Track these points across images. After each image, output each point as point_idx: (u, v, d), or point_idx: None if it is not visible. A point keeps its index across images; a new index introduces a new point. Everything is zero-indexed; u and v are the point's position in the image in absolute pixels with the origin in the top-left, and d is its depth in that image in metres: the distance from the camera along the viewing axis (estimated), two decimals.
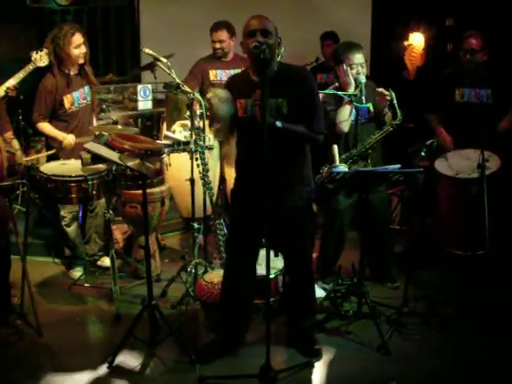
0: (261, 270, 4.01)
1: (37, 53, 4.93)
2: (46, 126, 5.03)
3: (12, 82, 4.89)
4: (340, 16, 7.40)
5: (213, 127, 3.95)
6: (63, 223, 5.05)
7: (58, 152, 5.03)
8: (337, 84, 4.72)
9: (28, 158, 5.39)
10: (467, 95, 5.39)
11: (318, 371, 3.89)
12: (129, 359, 3.97)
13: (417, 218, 5.07)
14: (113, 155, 3.76)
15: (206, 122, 4.62)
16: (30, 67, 4.93)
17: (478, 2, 6.87)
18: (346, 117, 4.50)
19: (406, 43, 7.29)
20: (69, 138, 4.96)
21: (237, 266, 4.00)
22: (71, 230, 5.08)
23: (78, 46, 4.97)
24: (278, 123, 3.54)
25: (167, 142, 4.60)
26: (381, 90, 4.57)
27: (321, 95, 4.56)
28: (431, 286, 4.90)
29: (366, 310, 4.37)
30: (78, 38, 4.97)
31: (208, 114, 3.88)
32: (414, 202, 5.21)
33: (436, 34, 7.29)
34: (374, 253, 4.92)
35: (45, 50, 4.94)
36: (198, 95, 4.47)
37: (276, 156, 3.47)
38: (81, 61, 5.04)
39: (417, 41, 7.31)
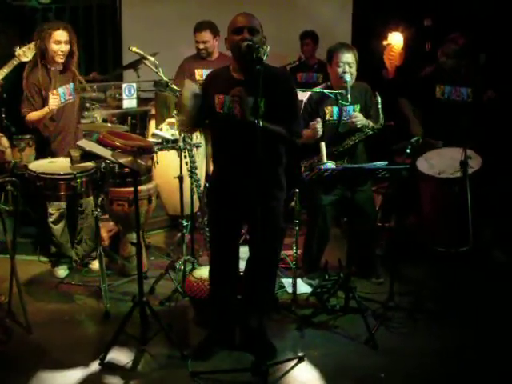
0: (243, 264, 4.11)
1: (20, 48, 4.93)
2: (32, 114, 4.98)
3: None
4: (321, 16, 7.47)
5: (178, 118, 3.94)
6: (50, 220, 5.03)
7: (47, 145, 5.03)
8: (328, 83, 4.81)
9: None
10: (448, 92, 5.49)
11: (308, 364, 3.94)
12: (120, 356, 3.98)
13: (398, 215, 5.16)
14: (106, 152, 3.79)
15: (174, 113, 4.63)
16: (14, 62, 4.92)
17: (455, 2, 6.99)
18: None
19: (385, 43, 7.36)
20: (50, 103, 4.88)
21: (221, 260, 4.05)
22: (58, 227, 5.06)
23: (57, 42, 4.95)
24: (260, 122, 3.50)
25: (155, 139, 4.63)
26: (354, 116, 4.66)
27: (308, 93, 4.67)
28: (415, 281, 5.02)
29: (352, 305, 4.44)
30: (59, 34, 4.95)
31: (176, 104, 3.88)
32: (395, 199, 5.30)
33: (414, 33, 7.39)
34: (359, 249, 5.00)
35: (28, 45, 4.94)
36: None
37: (252, 155, 3.42)
38: (58, 59, 5.00)
39: (396, 40, 7.38)
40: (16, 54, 4.91)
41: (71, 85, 5.14)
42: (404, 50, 7.42)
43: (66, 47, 5.01)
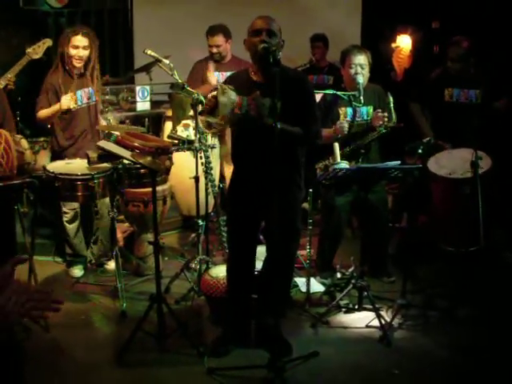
0: (259, 265, 4.18)
1: (30, 46, 5.03)
2: (43, 111, 5.04)
3: (9, 75, 5.03)
4: (331, 19, 7.54)
5: (208, 118, 3.96)
6: (64, 219, 5.11)
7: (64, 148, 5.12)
8: (342, 84, 4.88)
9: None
10: (456, 95, 5.55)
11: (323, 361, 3.99)
12: (138, 354, 4.02)
13: (410, 215, 5.22)
14: (125, 153, 3.85)
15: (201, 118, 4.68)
16: (25, 60, 5.05)
17: (463, 5, 7.05)
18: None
19: (393, 45, 7.44)
20: (63, 101, 4.95)
21: (238, 259, 4.11)
22: (72, 227, 5.14)
23: (75, 47, 5.02)
24: (278, 124, 3.55)
25: (171, 141, 4.70)
26: (380, 113, 4.72)
27: (321, 94, 4.73)
28: (427, 280, 5.05)
29: (366, 304, 4.51)
30: (77, 39, 5.02)
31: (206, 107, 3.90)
32: (407, 199, 5.36)
33: (422, 36, 7.46)
34: (371, 249, 5.07)
35: (38, 44, 5.04)
36: (201, 96, 4.56)
37: (270, 156, 3.49)
38: (76, 63, 5.07)
39: (404, 43, 7.47)
40: (27, 51, 5.01)
41: (90, 89, 5.21)
42: (412, 52, 7.50)
43: (83, 52, 5.07)
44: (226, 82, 3.99)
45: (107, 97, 6.21)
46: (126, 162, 4.34)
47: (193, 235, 5.53)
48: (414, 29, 7.46)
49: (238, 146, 3.98)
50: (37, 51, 5.11)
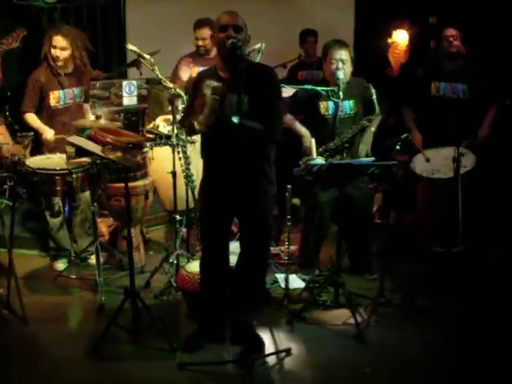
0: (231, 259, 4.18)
1: (4, 37, 5.09)
2: (31, 117, 5.14)
3: None
4: (323, 13, 7.51)
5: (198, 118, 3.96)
6: (48, 213, 5.14)
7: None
8: (325, 77, 4.87)
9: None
10: (443, 89, 5.49)
11: (296, 358, 3.99)
12: (111, 348, 4.06)
13: (393, 212, 5.19)
14: (95, 148, 3.87)
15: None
16: (1, 49, 5.06)
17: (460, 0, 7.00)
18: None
19: (389, 40, 7.38)
20: (47, 134, 5.05)
21: (211, 254, 4.11)
22: (55, 221, 5.16)
23: (53, 47, 5.09)
24: (235, 119, 3.58)
25: (150, 136, 4.71)
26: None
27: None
28: (408, 278, 5.02)
29: (342, 301, 4.50)
30: (57, 40, 5.09)
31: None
32: (390, 196, 5.33)
33: (419, 31, 7.40)
34: (353, 246, 5.06)
35: (13, 34, 5.08)
36: (179, 90, 4.57)
37: (236, 151, 3.56)
38: (58, 62, 5.12)
39: (400, 38, 7.39)
40: (2, 41, 5.08)
41: (75, 89, 5.27)
42: (409, 47, 7.43)
43: (62, 53, 5.12)
44: (196, 79, 4.00)
45: (96, 91, 6.23)
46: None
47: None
48: (410, 23, 7.39)
49: (206, 142, 3.98)
50: (11, 40, 5.13)
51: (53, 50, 5.07)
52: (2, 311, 4.45)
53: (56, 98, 5.11)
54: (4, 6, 6.87)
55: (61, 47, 5.07)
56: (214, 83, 3.68)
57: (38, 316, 4.48)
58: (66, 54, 5.11)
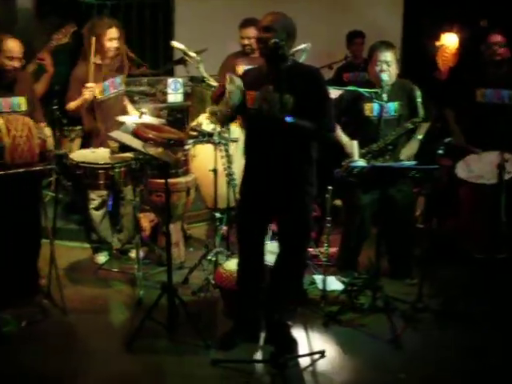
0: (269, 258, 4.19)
1: (55, 32, 5.28)
2: (71, 104, 5.15)
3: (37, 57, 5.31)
4: (371, 15, 7.46)
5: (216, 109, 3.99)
6: (91, 206, 5.21)
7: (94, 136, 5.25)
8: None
9: None
10: (488, 95, 5.42)
11: (329, 360, 3.97)
12: (146, 342, 4.10)
13: (436, 217, 5.12)
14: (137, 143, 3.91)
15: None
16: (51, 45, 5.33)
17: None
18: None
19: (437, 43, 7.29)
20: (85, 92, 5.03)
21: (248, 253, 4.12)
22: (98, 214, 5.23)
23: (111, 40, 5.12)
24: (288, 118, 3.59)
25: (193, 133, 4.74)
26: None
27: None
28: (448, 284, 4.96)
29: (380, 305, 4.45)
30: (112, 32, 5.12)
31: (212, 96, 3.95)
32: (433, 201, 5.27)
33: (469, 35, 7.29)
34: (394, 249, 5.01)
35: (62, 29, 5.17)
36: None
37: (280, 150, 3.56)
38: (111, 54, 5.18)
39: (449, 41, 7.30)
40: (53, 36, 5.30)
41: (116, 78, 5.30)
42: (458, 51, 7.33)
43: (117, 43, 5.18)
44: (241, 75, 4.02)
45: (143, 88, 6.30)
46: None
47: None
48: (460, 27, 7.28)
49: (250, 141, 4.01)
50: (61, 36, 5.29)
51: (109, 43, 5.11)
52: (43, 301, 4.56)
53: (100, 89, 5.16)
54: (55, 2, 6.99)
55: (117, 38, 5.13)
56: (236, 78, 3.77)
57: (77, 307, 4.57)
58: (120, 44, 5.19)
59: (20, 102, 4.70)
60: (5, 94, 4.64)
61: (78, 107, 5.12)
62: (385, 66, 4.67)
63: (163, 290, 4.17)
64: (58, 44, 5.26)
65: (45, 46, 5.38)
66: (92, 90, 4.99)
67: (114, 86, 5.29)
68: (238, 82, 3.77)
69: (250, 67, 4.41)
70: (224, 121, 4.31)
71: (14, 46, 4.57)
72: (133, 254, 5.29)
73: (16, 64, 4.61)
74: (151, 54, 7.63)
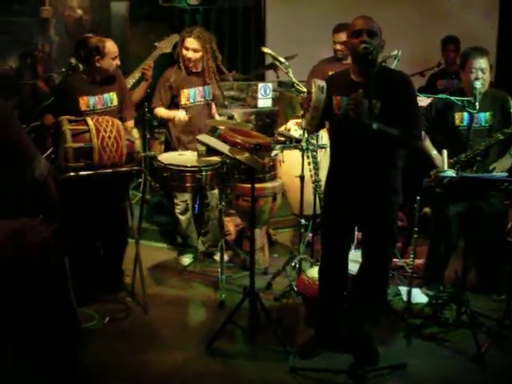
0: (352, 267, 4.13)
1: (160, 41, 5.37)
2: (161, 110, 5.31)
3: (141, 67, 5.44)
4: (465, 20, 7.28)
5: (306, 117, 3.96)
6: (177, 211, 5.32)
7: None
8: (461, 86, 4.72)
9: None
10: None
11: (410, 374, 3.88)
12: (226, 345, 4.13)
13: None
14: (223, 147, 3.94)
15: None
16: (156, 54, 5.42)
17: None
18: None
19: None
20: (180, 115, 5.18)
21: (331, 261, 4.07)
22: (184, 218, 5.33)
23: (186, 48, 5.23)
24: (375, 125, 3.52)
25: (281, 138, 4.75)
26: None
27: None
28: None
29: (465, 320, 4.31)
30: (189, 41, 5.23)
31: (303, 104, 3.93)
32: None
33: None
34: (482, 263, 4.86)
35: (167, 38, 5.27)
36: None
37: (366, 157, 3.50)
38: (188, 63, 5.26)
39: None
40: (157, 45, 5.36)
41: (206, 87, 5.39)
42: None
43: (194, 54, 5.25)
44: (327, 79, 3.97)
45: (232, 92, 6.35)
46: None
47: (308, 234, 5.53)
48: None
49: (335, 146, 3.96)
50: (165, 45, 5.39)
51: (185, 51, 5.23)
52: (126, 298, 4.68)
53: (186, 96, 5.26)
54: (149, 6, 7.17)
55: (193, 49, 5.21)
56: (321, 82, 3.71)
57: (159, 307, 4.66)
58: (197, 55, 5.25)
59: (112, 97, 4.84)
60: (99, 91, 4.77)
61: (165, 119, 5.33)
62: (480, 74, 4.52)
63: (246, 294, 4.19)
64: (162, 53, 5.39)
65: (149, 55, 5.50)
66: (185, 116, 5.18)
67: (202, 94, 5.38)
68: (323, 84, 3.71)
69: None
70: (312, 127, 4.26)
71: (111, 46, 4.71)
72: (217, 257, 5.34)
73: (117, 63, 4.77)
74: (243, 59, 7.71)
